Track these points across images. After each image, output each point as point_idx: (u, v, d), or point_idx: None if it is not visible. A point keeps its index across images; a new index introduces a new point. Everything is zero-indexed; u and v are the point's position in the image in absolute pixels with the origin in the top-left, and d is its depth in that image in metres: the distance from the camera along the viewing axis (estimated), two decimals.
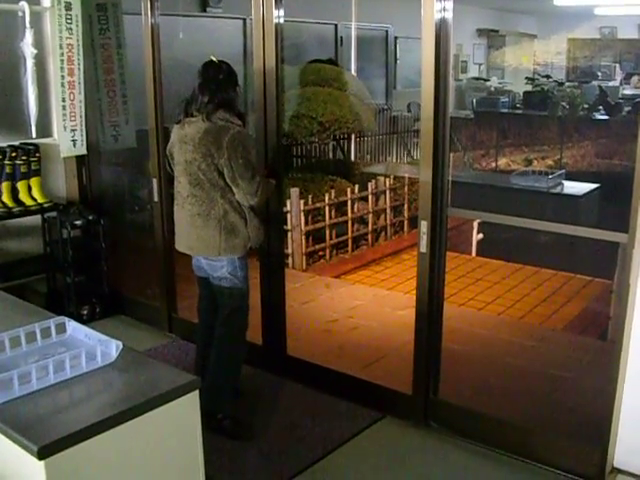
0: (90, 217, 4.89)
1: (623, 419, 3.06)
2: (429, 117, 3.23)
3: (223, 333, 3.56)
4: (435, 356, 3.52)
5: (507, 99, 11.75)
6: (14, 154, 4.61)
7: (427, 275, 3.39)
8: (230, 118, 3.34)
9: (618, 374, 3.00)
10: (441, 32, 3.14)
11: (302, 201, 6.40)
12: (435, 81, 3.18)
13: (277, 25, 3.75)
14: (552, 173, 6.98)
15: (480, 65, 13.68)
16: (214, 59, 3.40)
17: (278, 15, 3.74)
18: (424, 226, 3.32)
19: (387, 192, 7.17)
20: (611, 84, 12.34)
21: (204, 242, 3.41)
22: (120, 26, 5.00)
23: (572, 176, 7.30)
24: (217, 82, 3.34)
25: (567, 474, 3.16)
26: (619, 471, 3.12)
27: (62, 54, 4.59)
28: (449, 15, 3.11)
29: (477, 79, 12.97)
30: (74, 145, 4.79)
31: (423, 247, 3.35)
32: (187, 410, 2.07)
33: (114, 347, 2.17)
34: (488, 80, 13.02)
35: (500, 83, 13.13)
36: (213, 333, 3.61)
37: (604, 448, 3.07)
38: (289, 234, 6.29)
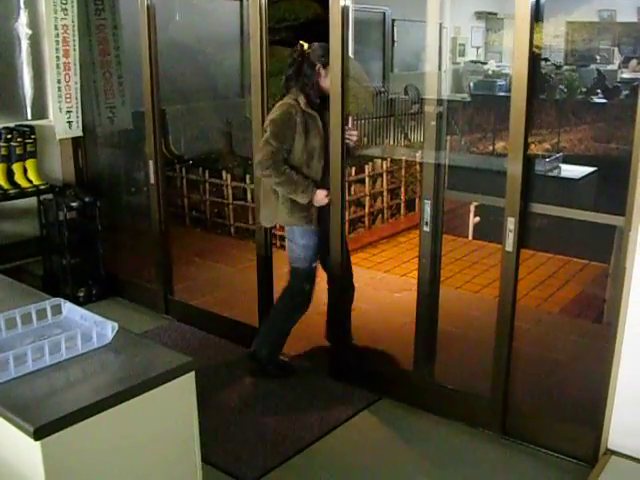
0: (86, 199, 4.87)
1: (618, 401, 3.08)
2: (522, 98, 3.13)
3: (281, 306, 3.87)
4: (433, 337, 3.55)
5: (504, 82, 11.68)
6: (9, 136, 4.59)
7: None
8: (297, 97, 3.52)
9: (613, 356, 3.01)
10: (536, 11, 3.09)
11: None
12: (529, 64, 3.03)
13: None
14: (549, 156, 6.96)
15: (478, 48, 13.60)
16: (303, 44, 3.59)
17: None
18: (511, 223, 3.31)
19: (384, 175, 7.15)
20: (609, 67, 12.26)
21: (266, 210, 3.73)
22: (116, 7, 4.97)
23: (569, 159, 7.26)
24: (291, 64, 3.57)
25: (561, 456, 3.19)
26: (613, 452, 3.14)
27: (57, 35, 4.55)
28: None
29: (475, 62, 12.90)
30: (70, 127, 4.77)
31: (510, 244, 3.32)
32: (183, 391, 2.07)
33: (110, 328, 2.16)
34: (486, 63, 12.94)
35: (498, 66, 13.05)
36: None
37: (598, 430, 3.09)
38: None
